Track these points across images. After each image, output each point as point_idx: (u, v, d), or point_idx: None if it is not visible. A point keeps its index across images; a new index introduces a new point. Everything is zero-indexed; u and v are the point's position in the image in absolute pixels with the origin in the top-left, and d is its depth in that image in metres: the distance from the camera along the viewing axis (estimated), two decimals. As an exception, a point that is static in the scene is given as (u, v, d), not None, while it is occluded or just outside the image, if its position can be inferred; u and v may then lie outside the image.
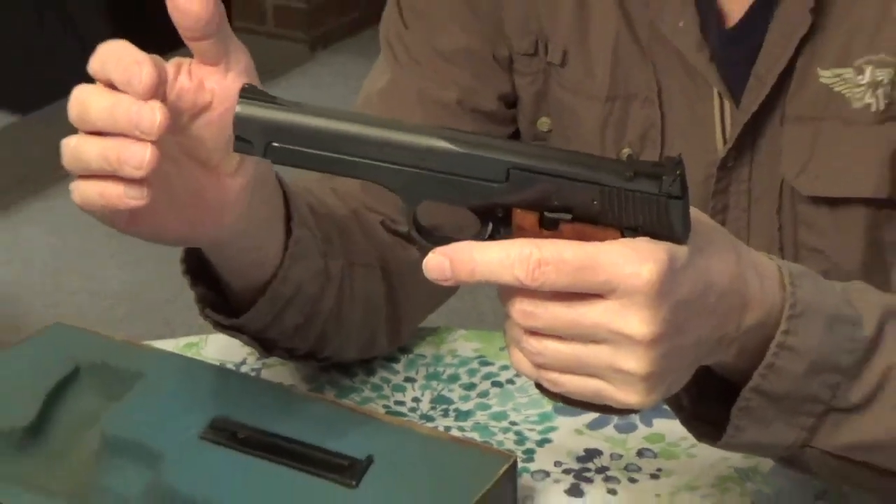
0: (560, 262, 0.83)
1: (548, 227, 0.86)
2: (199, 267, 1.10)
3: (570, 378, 0.87)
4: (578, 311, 0.85)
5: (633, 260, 0.83)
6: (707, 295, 0.87)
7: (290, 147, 0.88)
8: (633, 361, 0.85)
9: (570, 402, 0.90)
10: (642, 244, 0.84)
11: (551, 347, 0.86)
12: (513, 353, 0.89)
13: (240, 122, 0.88)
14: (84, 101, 0.90)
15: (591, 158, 0.86)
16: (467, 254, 0.85)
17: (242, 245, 1.05)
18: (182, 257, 1.10)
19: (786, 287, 0.92)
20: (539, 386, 0.90)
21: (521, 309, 0.86)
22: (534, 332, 0.87)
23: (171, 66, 0.94)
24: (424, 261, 0.87)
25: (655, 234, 0.85)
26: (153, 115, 0.88)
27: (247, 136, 0.88)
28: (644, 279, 0.83)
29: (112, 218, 0.95)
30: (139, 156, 0.88)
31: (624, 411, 0.90)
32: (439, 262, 0.86)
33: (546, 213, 0.86)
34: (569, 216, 0.86)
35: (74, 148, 0.91)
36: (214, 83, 0.95)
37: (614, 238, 0.85)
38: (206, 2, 0.91)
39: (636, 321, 0.84)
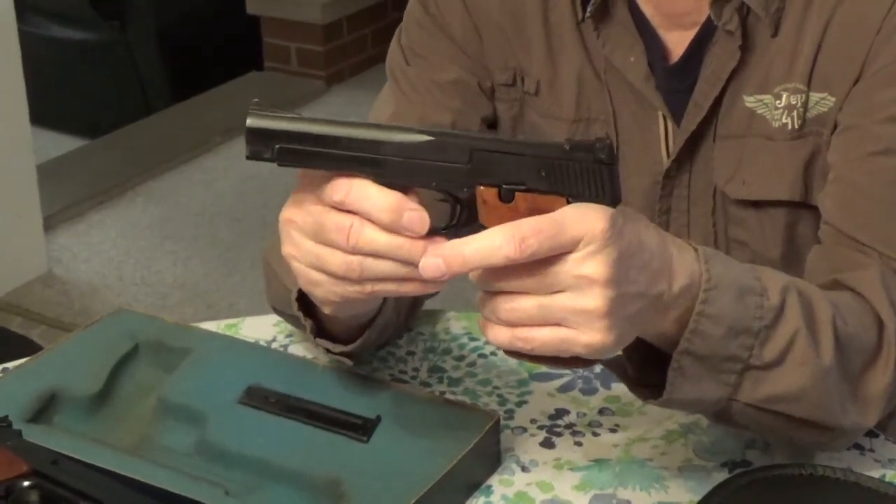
0: (538, 233, 0.83)
1: (505, 199, 0.87)
2: (308, 305, 1.07)
3: (540, 331, 0.86)
4: (544, 266, 0.84)
5: (589, 218, 0.84)
6: (643, 251, 0.88)
7: (295, 147, 0.86)
8: (593, 300, 0.85)
9: (542, 361, 0.89)
10: (589, 206, 0.85)
11: (521, 302, 0.85)
12: (487, 327, 0.88)
13: (250, 132, 0.86)
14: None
15: (536, 140, 0.87)
16: (456, 250, 0.85)
17: (362, 309, 1.05)
18: (296, 296, 1.06)
19: (701, 264, 0.92)
20: (512, 354, 0.89)
21: (494, 273, 0.85)
22: (503, 293, 0.86)
23: None
24: (421, 264, 0.86)
25: (593, 200, 0.86)
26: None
27: (258, 144, 0.86)
28: (598, 230, 0.84)
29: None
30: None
31: (589, 362, 0.89)
32: (434, 263, 0.85)
33: (503, 186, 0.87)
34: (522, 187, 0.86)
35: (363, 267, 0.88)
36: None
37: (561, 204, 0.86)
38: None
39: (593, 264, 0.84)
